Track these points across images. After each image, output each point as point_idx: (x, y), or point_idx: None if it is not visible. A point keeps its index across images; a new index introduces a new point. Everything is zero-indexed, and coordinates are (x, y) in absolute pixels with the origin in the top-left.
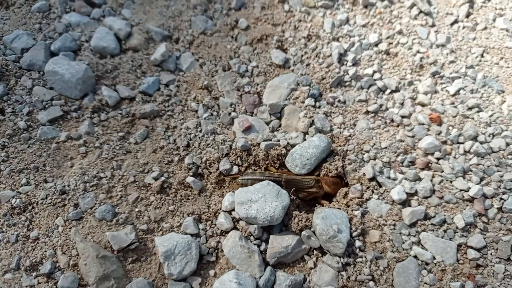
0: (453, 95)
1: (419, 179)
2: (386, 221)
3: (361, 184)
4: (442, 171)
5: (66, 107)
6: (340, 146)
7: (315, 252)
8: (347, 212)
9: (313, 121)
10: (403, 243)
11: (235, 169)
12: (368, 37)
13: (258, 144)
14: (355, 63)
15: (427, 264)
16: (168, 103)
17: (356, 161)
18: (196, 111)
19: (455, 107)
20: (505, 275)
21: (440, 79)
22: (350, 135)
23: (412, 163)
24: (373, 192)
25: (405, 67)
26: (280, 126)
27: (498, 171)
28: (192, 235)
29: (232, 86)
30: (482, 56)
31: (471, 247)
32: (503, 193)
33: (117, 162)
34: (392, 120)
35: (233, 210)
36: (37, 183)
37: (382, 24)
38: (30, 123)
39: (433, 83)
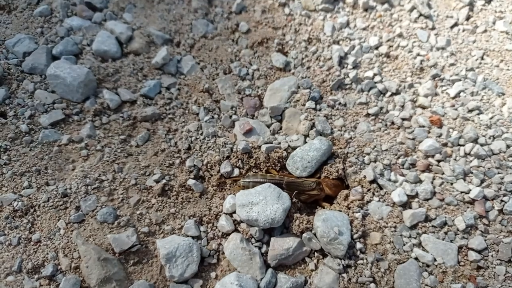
0: (453, 98)
1: (420, 181)
2: (387, 223)
3: (362, 186)
4: (443, 173)
5: (67, 110)
6: (340, 148)
7: (316, 254)
8: (348, 214)
9: (313, 123)
10: (404, 245)
11: (236, 171)
12: (368, 40)
13: (259, 146)
14: (356, 66)
15: (428, 266)
16: (169, 106)
17: (356, 163)
18: (197, 114)
19: (456, 109)
20: (506, 277)
21: (441, 81)
22: (350, 138)
23: (413, 165)
24: (374, 194)
25: (405, 69)
26: (281, 128)
27: (498, 173)
28: (193, 237)
29: (233, 89)
30: (482, 58)
31: (472, 249)
32: (504, 195)
33: (118, 165)
34: (393, 123)
35: (234, 212)
36: (39, 186)
37: (382, 27)
38: (32, 127)
39: (433, 85)
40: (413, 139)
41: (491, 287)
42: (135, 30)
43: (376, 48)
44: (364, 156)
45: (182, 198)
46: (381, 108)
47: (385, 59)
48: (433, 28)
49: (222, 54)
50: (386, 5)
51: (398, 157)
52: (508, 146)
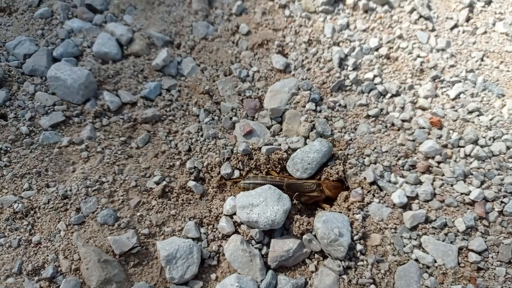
0: (453, 99)
1: (420, 182)
2: (387, 225)
3: (362, 188)
4: (443, 175)
5: (68, 112)
6: (341, 150)
7: (316, 255)
8: (348, 216)
9: (314, 125)
10: (404, 246)
11: (236, 173)
12: (368, 41)
13: (259, 148)
14: (356, 67)
15: (428, 267)
16: (170, 108)
17: (357, 165)
18: (198, 116)
19: (456, 111)
20: (506, 278)
21: (441, 83)
22: (351, 139)
23: (413, 166)
24: (374, 196)
25: (405, 71)
26: (281, 130)
27: (498, 174)
28: (193, 239)
29: (233, 90)
30: (482, 60)
31: (472, 250)
32: (504, 196)
33: (118, 166)
34: (393, 124)
35: (235, 214)
36: (39, 188)
37: (382, 29)
38: (32, 128)
39: (433, 87)
40: (413, 140)
41: None
42: (135, 32)
43: (376, 49)
44: (364, 158)
45: (183, 199)
46: (381, 109)
47: (385, 60)
48: (433, 30)
49: (223, 56)
50: (386, 7)
51: (398, 159)
52: (508, 148)
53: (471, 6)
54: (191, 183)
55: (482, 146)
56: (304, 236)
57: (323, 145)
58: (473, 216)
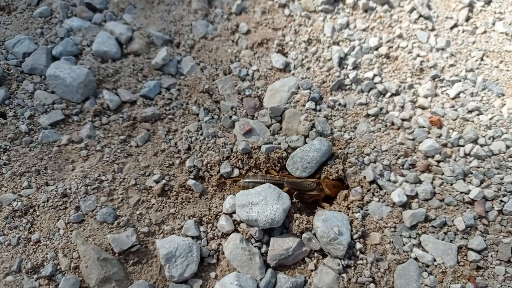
0: (453, 98)
1: (420, 181)
2: (386, 224)
3: (362, 187)
4: (443, 174)
5: (67, 110)
6: (340, 149)
7: (315, 254)
8: (348, 215)
9: (313, 124)
10: (404, 245)
11: (236, 172)
12: (368, 41)
13: (259, 147)
14: (356, 66)
15: (427, 266)
16: (169, 106)
17: (356, 164)
18: (197, 115)
19: (455, 110)
20: (505, 277)
21: (440, 82)
22: (350, 138)
23: (413, 165)
24: (373, 194)
25: (405, 70)
26: (280, 129)
27: (498, 173)
28: (193, 237)
29: (233, 89)
30: (482, 59)
31: (472, 249)
32: (504, 195)
33: (118, 165)
34: (393, 123)
35: (234, 212)
36: (38, 186)
37: (382, 28)
38: (32, 127)
39: (433, 86)
40: (413, 139)
41: (491, 287)
42: (135, 31)
43: (376, 49)
44: (364, 157)
45: (182, 198)
46: (381, 108)
47: (385, 60)
48: (433, 29)
49: (222, 55)
50: (386, 6)
51: (398, 158)
52: (507, 147)
53: (470, 6)
54: (190, 182)
55: (481, 145)
56: (304, 235)
57: (323, 144)
58: (473, 215)
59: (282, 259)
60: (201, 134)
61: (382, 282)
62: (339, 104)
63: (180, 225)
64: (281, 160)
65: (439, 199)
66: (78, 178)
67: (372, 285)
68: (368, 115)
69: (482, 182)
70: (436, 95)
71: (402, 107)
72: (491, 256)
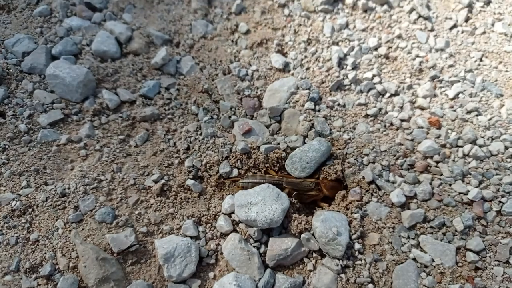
0: (452, 99)
1: (418, 182)
2: (385, 224)
3: (361, 187)
4: (441, 174)
5: (66, 110)
6: (339, 149)
7: (314, 254)
8: (347, 215)
9: (312, 124)
10: (402, 245)
11: (235, 172)
12: (367, 41)
13: (258, 147)
14: (355, 67)
15: (426, 266)
16: (169, 106)
17: (355, 164)
18: (196, 115)
19: (454, 110)
20: (503, 277)
21: (439, 83)
22: (349, 139)
23: (411, 166)
24: (372, 195)
25: (404, 71)
26: (280, 129)
27: (497, 174)
28: (191, 237)
29: (232, 89)
30: (481, 60)
31: (470, 250)
32: (502, 196)
33: (117, 165)
34: (392, 124)
35: (233, 212)
36: (37, 186)
37: (381, 29)
38: (31, 126)
39: (432, 87)
40: (412, 140)
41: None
42: (134, 31)
43: (375, 49)
44: (363, 157)
45: (181, 198)
46: (380, 109)
47: (384, 60)
48: (432, 30)
49: (222, 55)
50: (385, 7)
51: (397, 158)
52: (506, 148)
53: (470, 6)
54: (189, 182)
55: (480, 146)
56: (302, 235)
57: (322, 144)
58: (471, 215)
59: (280, 259)
60: (200, 134)
61: (380, 282)
62: (338, 105)
63: (179, 225)
64: (280, 160)
65: (438, 199)
66: (77, 178)
67: (370, 285)
68: (367, 116)
69: (480, 182)
70: (435, 95)
71: (401, 107)
72: (490, 257)
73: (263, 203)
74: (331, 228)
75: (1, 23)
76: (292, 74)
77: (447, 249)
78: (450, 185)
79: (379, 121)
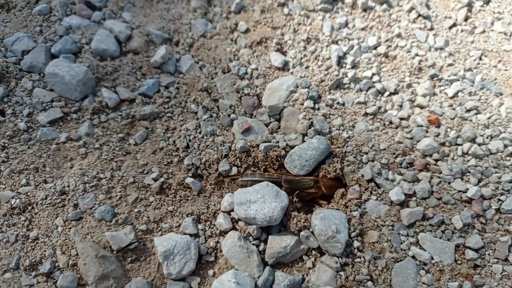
0: (451, 98)
1: (418, 180)
2: (384, 222)
3: (360, 185)
4: (441, 173)
5: (66, 108)
6: (339, 147)
7: (313, 252)
8: (346, 213)
9: (312, 123)
10: (401, 243)
11: (234, 170)
12: (367, 40)
13: (257, 145)
14: (354, 65)
15: (425, 264)
16: (168, 105)
17: (354, 162)
18: (196, 113)
19: (454, 109)
20: (502, 275)
21: (439, 81)
22: (349, 137)
23: (411, 164)
24: (371, 193)
25: (403, 69)
26: (279, 127)
27: (496, 172)
28: (191, 235)
29: (231, 88)
30: (480, 59)
31: (469, 248)
32: (501, 194)
33: (116, 163)
34: (391, 122)
35: (232, 210)
36: (36, 184)
37: (381, 27)
38: (30, 125)
39: (431, 85)
40: (411, 138)
41: (488, 285)
42: (134, 29)
43: (375, 48)
44: (362, 155)
45: (180, 196)
46: (379, 107)
47: (384, 59)
48: (431, 29)
49: (221, 53)
50: (385, 6)
51: (396, 156)
52: (505, 146)
53: (469, 6)
54: (189, 180)
55: (479, 144)
56: (302, 233)
57: (321, 143)
58: (470, 213)
59: (280, 257)
60: (200, 133)
61: (379, 280)
62: (338, 103)
63: (178, 223)
64: (279, 159)
65: (437, 197)
66: (77, 176)
67: (369, 283)
68: (366, 114)
69: (479, 181)
70: (434, 94)
71: (401, 106)
72: (489, 254)
73: (262, 201)
74: (330, 226)
75: (0, 22)
76: (292, 73)
77: (446, 247)
78: (449, 183)
79: (378, 120)
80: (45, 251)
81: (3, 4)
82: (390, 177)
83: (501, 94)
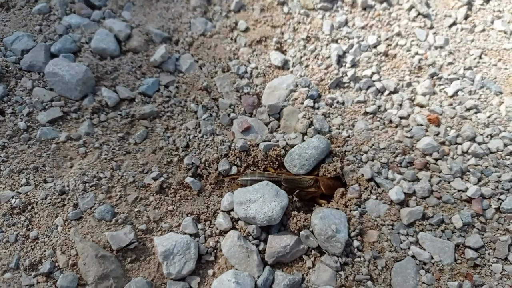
0: (451, 96)
1: (417, 179)
2: (384, 221)
3: (359, 184)
4: (440, 172)
5: (66, 108)
6: (338, 147)
7: (313, 252)
8: (346, 212)
9: (312, 122)
10: (401, 243)
11: (234, 169)
12: (366, 39)
13: (257, 144)
14: (354, 64)
15: (425, 264)
16: (168, 104)
17: (354, 161)
18: (196, 112)
19: (453, 108)
20: (502, 274)
21: (439, 80)
22: (348, 136)
23: (410, 163)
24: (371, 192)
25: (403, 68)
26: (279, 127)
27: (496, 171)
28: (191, 235)
29: (231, 87)
30: (480, 57)
31: (469, 247)
32: (501, 193)
33: (116, 162)
34: (391, 121)
35: (232, 210)
36: (36, 183)
37: (380, 26)
38: (30, 124)
39: (431, 84)
40: (411, 137)
41: (488, 284)
42: (133, 28)
43: (375, 46)
44: (362, 155)
45: (180, 195)
46: (379, 106)
47: (384, 57)
48: (431, 27)
49: (221, 52)
50: (384, 4)
51: (396, 156)
52: (505, 145)
53: (469, 4)
54: (188, 179)
55: (479, 143)
56: (301, 232)
57: (321, 142)
58: (470, 213)
59: (279, 256)
60: (199, 132)
61: (379, 279)
62: (337, 102)
63: (178, 222)
64: (279, 158)
65: (437, 197)
66: (76, 176)
67: (369, 282)
68: (366, 113)
69: (479, 180)
70: (434, 93)
71: (400, 105)
72: (488, 254)
73: (262, 200)
74: (330, 225)
75: (0, 20)
76: (291, 72)
77: (446, 246)
78: (449, 182)
79: (378, 119)
80: (45, 251)
81: (3, 3)
82: (390, 176)
83: (501, 93)
